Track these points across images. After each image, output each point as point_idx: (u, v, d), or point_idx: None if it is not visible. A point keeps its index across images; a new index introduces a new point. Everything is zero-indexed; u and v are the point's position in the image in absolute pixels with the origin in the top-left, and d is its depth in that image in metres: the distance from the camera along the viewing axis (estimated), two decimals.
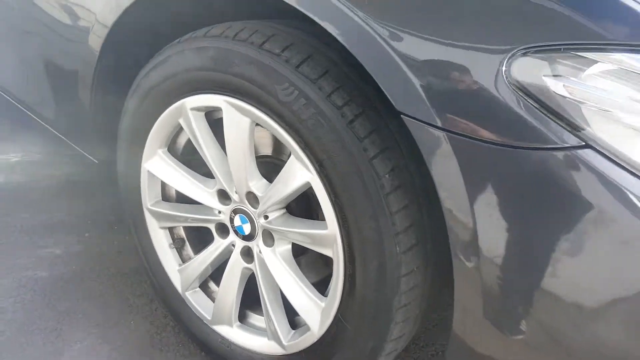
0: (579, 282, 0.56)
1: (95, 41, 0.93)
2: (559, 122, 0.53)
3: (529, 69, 0.53)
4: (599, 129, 0.53)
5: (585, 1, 0.53)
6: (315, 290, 0.80)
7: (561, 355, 0.61)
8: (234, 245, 0.89)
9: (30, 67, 1.16)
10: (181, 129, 0.88)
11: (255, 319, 0.95)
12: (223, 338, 0.94)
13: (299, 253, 0.87)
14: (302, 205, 0.82)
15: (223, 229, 0.91)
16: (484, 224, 0.58)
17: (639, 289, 0.54)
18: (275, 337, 0.87)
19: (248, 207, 0.83)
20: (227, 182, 0.84)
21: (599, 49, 0.52)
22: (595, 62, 0.52)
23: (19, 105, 1.28)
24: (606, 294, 0.56)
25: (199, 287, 0.99)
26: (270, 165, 0.85)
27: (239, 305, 0.93)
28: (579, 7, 0.52)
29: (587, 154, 0.53)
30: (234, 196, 0.84)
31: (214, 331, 0.95)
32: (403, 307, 0.69)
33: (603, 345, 0.58)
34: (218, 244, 0.92)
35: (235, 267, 0.90)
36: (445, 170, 0.58)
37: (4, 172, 1.38)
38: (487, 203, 0.57)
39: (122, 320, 1.04)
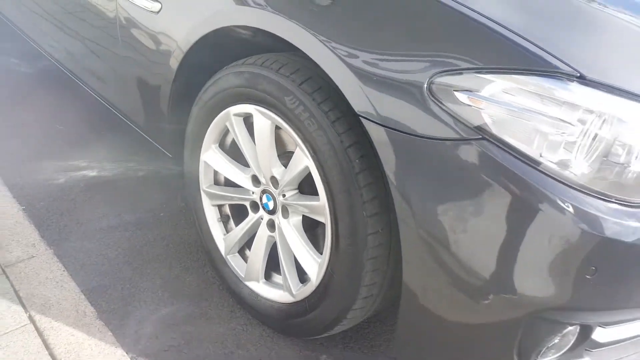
0: (480, 231, 0.78)
1: (174, 63, 1.28)
2: (465, 122, 0.77)
3: (444, 86, 0.78)
4: (491, 126, 0.76)
5: (482, 41, 0.77)
6: (315, 250, 1.07)
7: (478, 294, 0.82)
8: (262, 218, 1.18)
9: (127, 84, 1.55)
10: (228, 130, 1.19)
11: (275, 277, 1.22)
12: (252, 291, 1.23)
13: (308, 228, 1.13)
14: (309, 187, 1.09)
15: (255, 206, 1.20)
16: (414, 193, 0.82)
17: (521, 239, 0.75)
18: (288, 289, 1.14)
19: (272, 188, 1.12)
20: (257, 169, 1.14)
21: (491, 72, 0.75)
22: (490, 81, 0.76)
23: (119, 115, 1.68)
24: (504, 243, 0.77)
25: (237, 252, 1.29)
26: (289, 157, 1.14)
27: (264, 267, 1.21)
28: (477, 44, 0.76)
29: (483, 144, 0.76)
30: (262, 180, 1.14)
31: (246, 286, 1.24)
32: (372, 259, 0.93)
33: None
34: (251, 218, 1.21)
35: (262, 236, 1.19)
36: (388, 154, 0.83)
37: (97, 168, 1.78)
38: (415, 178, 0.81)
39: (180, 276, 1.36)
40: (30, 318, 1.14)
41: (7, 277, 1.24)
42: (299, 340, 1.21)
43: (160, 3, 1.26)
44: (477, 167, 0.77)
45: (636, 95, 0.76)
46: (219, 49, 1.20)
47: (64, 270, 1.31)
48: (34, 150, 1.86)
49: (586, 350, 0.94)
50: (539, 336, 0.83)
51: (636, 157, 0.75)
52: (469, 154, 0.77)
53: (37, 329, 1.11)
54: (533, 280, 0.78)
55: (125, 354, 1.10)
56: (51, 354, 1.06)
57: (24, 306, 1.17)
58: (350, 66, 0.85)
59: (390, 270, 0.98)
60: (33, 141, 1.92)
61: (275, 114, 1.01)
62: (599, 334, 0.91)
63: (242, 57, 1.12)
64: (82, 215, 1.56)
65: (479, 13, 0.80)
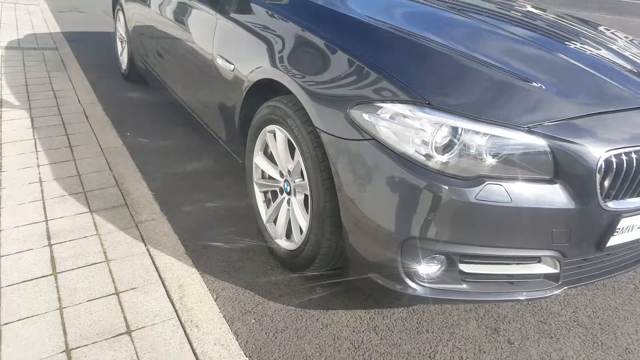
0: (373, 195, 1.37)
1: (240, 98, 2.02)
2: (366, 130, 1.38)
3: (356, 111, 1.40)
4: (379, 133, 1.36)
5: (380, 83, 1.39)
6: (306, 214, 1.71)
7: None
8: (283, 198, 1.86)
9: (217, 110, 2.34)
10: (267, 142, 1.91)
11: (290, 237, 1.88)
12: (277, 245, 1.90)
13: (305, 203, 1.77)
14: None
15: (281, 191, 1.88)
16: (342, 172, 1.43)
17: (396, 199, 1.33)
18: (294, 240, 1.79)
19: (289, 178, 1.80)
20: (281, 166, 1.83)
21: (384, 101, 1.36)
22: (383, 107, 1.36)
23: (212, 133, 2.51)
24: (380, 203, 1.36)
25: (272, 221, 1.97)
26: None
27: (285, 229, 1.88)
28: (378, 85, 1.38)
29: (373, 143, 1.36)
30: (284, 173, 1.82)
31: (274, 242, 1.92)
32: (329, 217, 1.54)
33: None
34: (280, 198, 1.89)
35: (284, 208, 1.86)
36: (330, 150, 1.46)
37: (194, 169, 2.62)
38: (342, 163, 1.43)
39: (243, 240, 2.08)
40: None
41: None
42: (305, 278, 1.84)
43: (233, 65, 2.04)
44: (372, 157, 1.37)
45: (463, 113, 1.31)
46: (264, 90, 1.92)
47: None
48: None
49: (464, 280, 1.45)
50: (412, 257, 1.38)
51: (464, 153, 1.29)
52: (366, 147, 1.37)
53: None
54: (401, 221, 1.34)
55: (201, 278, 1.83)
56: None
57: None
58: (314, 105, 1.52)
59: (338, 228, 1.57)
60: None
61: (286, 130, 1.70)
62: (465, 267, 1.42)
63: (275, 95, 1.84)
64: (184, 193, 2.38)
65: (381, 66, 1.42)
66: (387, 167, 1.34)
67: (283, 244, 1.87)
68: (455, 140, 1.30)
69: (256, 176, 2.02)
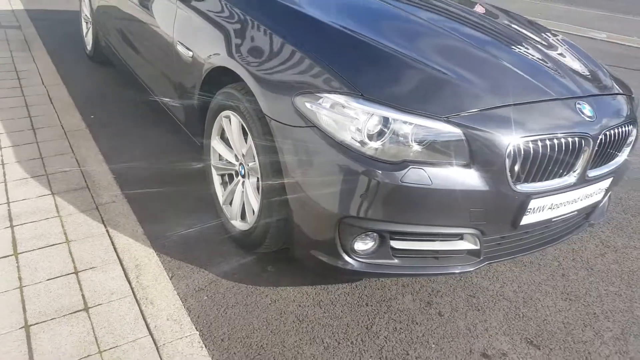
0: (313, 176, 1.49)
1: (199, 81, 2.08)
2: (307, 118, 1.49)
3: (300, 99, 1.51)
4: (319, 120, 1.47)
5: (322, 75, 1.49)
6: (258, 196, 1.82)
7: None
8: (239, 180, 1.96)
9: (177, 92, 2.41)
10: (223, 126, 2.00)
11: (245, 218, 1.99)
12: (233, 225, 2.01)
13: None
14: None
15: (236, 173, 1.98)
16: (287, 155, 1.55)
17: (332, 180, 1.45)
18: (248, 222, 1.90)
19: (243, 161, 1.90)
20: (236, 150, 1.93)
21: (324, 92, 1.47)
22: (323, 97, 1.47)
23: (171, 115, 2.57)
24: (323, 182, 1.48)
25: (229, 203, 2.08)
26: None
27: (240, 211, 1.99)
28: (320, 77, 1.49)
29: (314, 130, 1.47)
30: (239, 156, 1.92)
31: (230, 223, 2.03)
32: (277, 198, 1.67)
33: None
34: (235, 180, 1.99)
35: (239, 190, 1.97)
36: (277, 134, 1.57)
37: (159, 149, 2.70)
38: (288, 147, 1.54)
39: (201, 221, 2.18)
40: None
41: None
42: (257, 257, 1.97)
43: (192, 52, 2.11)
44: (313, 143, 1.48)
45: (391, 104, 1.43)
46: (222, 76, 2.00)
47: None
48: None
49: (395, 255, 1.59)
50: (347, 234, 1.51)
51: (393, 140, 1.42)
52: (308, 134, 1.49)
53: None
54: (337, 201, 1.47)
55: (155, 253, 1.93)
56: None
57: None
58: (263, 93, 1.62)
59: (285, 209, 1.69)
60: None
61: (239, 116, 1.79)
62: (395, 244, 1.57)
63: (231, 82, 1.92)
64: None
65: (323, 59, 1.53)
66: (326, 152, 1.46)
67: (237, 224, 1.98)
68: (386, 129, 1.43)
69: (214, 160, 2.11)
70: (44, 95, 3.38)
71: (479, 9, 2.68)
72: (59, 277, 1.75)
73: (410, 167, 1.43)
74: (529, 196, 1.57)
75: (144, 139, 2.95)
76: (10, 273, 1.74)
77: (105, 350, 1.48)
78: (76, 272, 1.78)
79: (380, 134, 1.44)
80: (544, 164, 1.56)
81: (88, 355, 1.46)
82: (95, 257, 1.87)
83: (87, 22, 4.18)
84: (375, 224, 1.49)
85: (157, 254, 1.93)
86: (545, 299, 1.94)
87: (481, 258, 1.69)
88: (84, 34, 4.31)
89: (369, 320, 1.74)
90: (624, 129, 1.80)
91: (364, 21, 1.89)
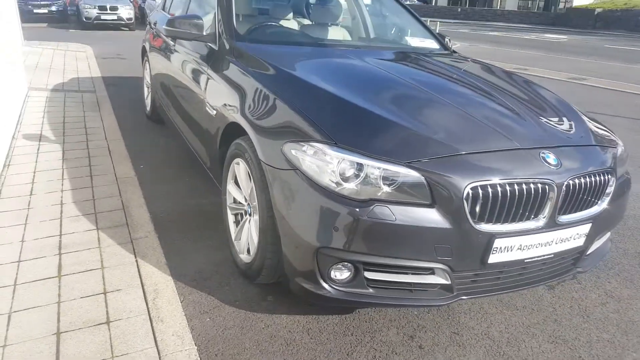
0: (296, 212, 1.74)
1: (219, 134, 2.45)
2: (292, 162, 1.77)
3: (287, 147, 1.80)
4: (302, 165, 1.74)
5: (304, 128, 1.78)
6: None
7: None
8: (247, 218, 2.25)
9: (205, 143, 2.79)
10: (236, 172, 2.32)
11: (250, 252, 2.25)
12: (240, 258, 2.27)
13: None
14: None
15: (246, 213, 2.27)
16: (276, 194, 1.82)
17: (310, 216, 1.70)
18: (251, 254, 2.16)
19: (249, 201, 2.19)
20: (244, 191, 2.23)
21: (305, 142, 1.76)
22: (306, 145, 1.75)
23: (199, 159, 2.95)
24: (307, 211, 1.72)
25: (239, 239, 2.35)
26: None
27: (246, 245, 2.25)
28: (302, 129, 1.78)
29: (297, 172, 1.75)
30: (247, 197, 2.22)
31: (239, 257, 2.29)
32: (271, 234, 1.92)
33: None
34: (244, 218, 2.28)
35: (246, 227, 2.24)
36: (270, 176, 1.85)
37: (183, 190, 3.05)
38: (277, 187, 1.82)
39: (215, 255, 2.46)
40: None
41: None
42: (260, 287, 2.20)
43: (215, 111, 2.49)
44: (296, 183, 1.75)
45: (360, 151, 1.68)
46: (238, 130, 2.34)
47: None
48: None
49: (369, 285, 1.77)
50: (324, 263, 1.72)
51: (365, 182, 1.65)
52: (292, 176, 1.76)
53: None
54: (315, 234, 1.70)
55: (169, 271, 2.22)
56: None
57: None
58: (260, 143, 1.93)
59: (278, 241, 1.93)
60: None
61: (245, 162, 2.11)
62: (369, 274, 1.75)
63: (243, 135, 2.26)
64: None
65: (308, 115, 1.82)
66: (306, 191, 1.72)
67: (243, 257, 2.24)
68: (359, 173, 1.67)
69: (229, 201, 2.42)
70: (105, 148, 3.92)
71: (461, 63, 2.93)
72: (90, 296, 2.07)
73: (376, 204, 1.65)
74: (492, 236, 1.72)
75: (180, 184, 3.35)
76: (52, 291, 2.09)
77: (117, 356, 1.75)
78: (105, 293, 2.10)
79: (355, 177, 1.68)
80: (505, 207, 1.72)
81: (103, 359, 1.73)
82: (122, 281, 2.18)
83: (147, 87, 4.82)
84: (347, 254, 1.70)
85: (174, 281, 2.22)
86: (530, 341, 2.00)
87: (454, 293, 1.83)
88: (145, 96, 4.96)
89: (350, 347, 1.89)
90: (596, 178, 1.91)
91: (345, 83, 2.20)
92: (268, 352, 1.84)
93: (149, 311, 2.00)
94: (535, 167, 1.78)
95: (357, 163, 1.68)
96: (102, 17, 15.60)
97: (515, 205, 1.73)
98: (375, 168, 1.67)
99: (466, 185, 1.66)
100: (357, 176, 1.68)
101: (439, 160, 1.70)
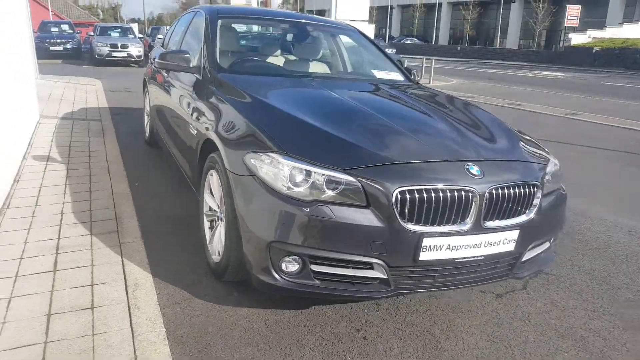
0: (252, 212, 2.06)
1: (197, 150, 2.81)
2: (251, 169, 2.11)
3: (247, 157, 2.14)
4: (259, 171, 2.08)
5: (262, 141, 2.13)
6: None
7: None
8: (219, 223, 2.56)
9: (185, 157, 3.14)
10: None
11: (219, 253, 2.54)
12: (212, 259, 2.56)
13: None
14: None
15: (218, 218, 2.59)
16: (238, 198, 2.14)
17: (264, 215, 2.02)
18: (219, 255, 2.46)
19: (220, 207, 2.51)
20: (216, 199, 2.55)
21: (262, 152, 2.10)
22: (263, 155, 2.10)
23: (184, 172, 3.30)
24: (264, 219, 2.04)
25: (212, 242, 2.65)
26: None
27: (218, 247, 2.55)
28: (261, 142, 2.13)
29: (255, 178, 2.08)
30: (219, 204, 2.54)
31: (211, 258, 2.58)
32: (235, 235, 2.23)
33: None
34: (218, 222, 2.59)
35: (218, 232, 2.55)
36: (233, 182, 2.19)
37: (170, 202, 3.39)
38: (239, 191, 2.15)
39: (192, 256, 2.76)
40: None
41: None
42: (229, 284, 2.48)
43: (197, 130, 2.86)
44: (253, 187, 2.08)
45: (306, 160, 2.01)
46: (210, 146, 2.68)
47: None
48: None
49: (315, 277, 2.06)
50: (276, 256, 2.02)
51: (313, 186, 1.98)
52: (251, 181, 2.08)
53: None
54: (267, 230, 2.01)
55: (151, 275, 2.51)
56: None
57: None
58: (227, 154, 2.28)
59: (239, 240, 2.23)
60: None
61: (217, 172, 2.44)
62: (315, 267, 2.04)
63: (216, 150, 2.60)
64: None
65: (267, 130, 2.17)
66: (261, 193, 2.04)
67: (214, 258, 2.54)
68: (305, 178, 2.00)
69: (205, 209, 2.74)
70: (105, 168, 4.29)
71: (415, 92, 3.34)
72: (79, 287, 2.37)
73: (318, 204, 1.96)
74: (421, 235, 2.01)
75: (169, 199, 3.68)
76: (47, 282, 2.39)
77: (97, 334, 2.03)
78: (92, 285, 2.39)
79: (303, 182, 2.00)
80: (431, 210, 2.02)
81: (85, 335, 2.01)
82: (108, 276, 2.48)
83: (147, 115, 5.25)
84: (294, 248, 2.00)
85: (153, 277, 2.51)
86: (468, 339, 2.25)
87: (392, 287, 2.11)
88: (145, 124, 5.37)
89: (301, 336, 2.16)
90: (520, 189, 2.21)
91: (301, 105, 2.58)
92: (227, 336, 2.12)
93: (128, 300, 2.29)
94: (459, 176, 2.09)
95: (304, 170, 2.00)
96: (114, 54, 16.45)
97: (441, 209, 2.04)
98: (319, 174, 1.99)
99: (395, 189, 1.98)
100: (304, 181, 2.00)
101: (371, 168, 2.03)
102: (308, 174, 2.01)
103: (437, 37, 48.25)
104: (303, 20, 4.20)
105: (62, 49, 18.44)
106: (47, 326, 2.06)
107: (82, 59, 18.38)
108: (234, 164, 2.23)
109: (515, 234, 2.22)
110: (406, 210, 2.00)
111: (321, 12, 20.17)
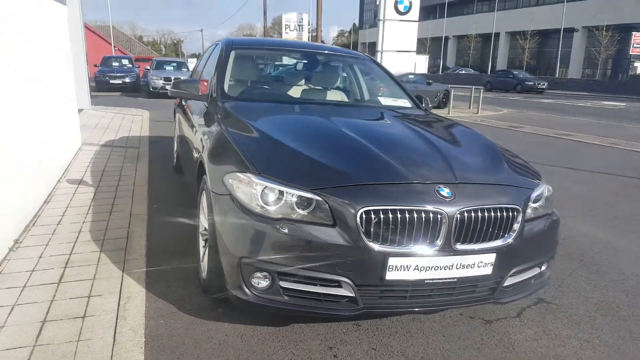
0: (226, 228, 2.17)
1: (196, 169, 2.98)
2: (228, 189, 2.22)
3: (226, 177, 2.26)
4: (234, 190, 2.19)
5: (240, 162, 2.25)
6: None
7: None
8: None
9: (187, 163, 3.32)
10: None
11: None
12: (202, 276, 2.68)
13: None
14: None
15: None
16: (216, 212, 2.26)
17: (235, 233, 2.12)
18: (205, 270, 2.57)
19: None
20: (207, 218, 2.69)
21: (238, 172, 2.22)
22: (240, 175, 2.21)
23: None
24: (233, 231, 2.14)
25: (204, 260, 2.77)
26: None
27: (206, 265, 2.67)
28: (238, 162, 2.25)
29: (230, 197, 2.19)
30: (206, 224, 2.67)
31: (201, 274, 2.70)
32: (213, 247, 2.34)
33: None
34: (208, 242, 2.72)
35: (206, 248, 2.68)
36: (212, 200, 2.31)
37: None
38: (217, 206, 2.26)
39: (187, 273, 2.89)
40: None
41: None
42: (215, 300, 2.57)
43: (198, 153, 3.03)
44: (228, 205, 2.18)
45: (277, 180, 2.10)
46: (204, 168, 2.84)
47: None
48: None
49: (285, 294, 2.11)
50: (246, 272, 2.10)
51: (284, 205, 2.06)
52: (227, 200, 2.19)
53: None
54: (237, 247, 2.10)
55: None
56: None
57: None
58: (210, 175, 2.42)
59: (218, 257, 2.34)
60: None
61: (206, 193, 2.58)
62: (284, 284, 2.10)
63: None
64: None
65: (246, 153, 2.29)
66: (234, 211, 2.15)
67: (203, 274, 2.65)
68: (277, 196, 2.09)
69: (200, 228, 2.88)
70: (130, 191, 4.58)
71: (416, 118, 3.37)
72: (77, 298, 2.55)
73: (285, 222, 2.04)
74: (387, 254, 2.03)
75: (181, 220, 3.86)
76: (50, 293, 2.59)
77: (81, 340, 2.18)
78: (89, 297, 2.57)
79: (273, 200, 2.09)
80: (397, 230, 2.04)
81: (70, 341, 2.16)
82: (105, 289, 2.65)
83: (176, 142, 5.56)
84: (263, 264, 2.07)
85: (146, 292, 2.66)
86: None
87: (361, 306, 2.12)
88: (174, 151, 5.69)
89: (273, 351, 2.21)
90: (496, 213, 2.18)
91: (286, 130, 2.67)
92: (201, 348, 2.20)
93: (118, 312, 2.43)
94: (429, 198, 2.10)
95: (277, 189, 2.09)
96: (167, 87, 17.43)
97: (407, 230, 2.05)
98: (290, 194, 2.07)
99: (360, 209, 2.02)
100: (277, 200, 2.09)
101: (339, 188, 2.09)
102: (280, 193, 2.09)
103: (493, 66, 47.62)
104: (316, 50, 4.37)
105: (122, 82, 19.73)
106: (40, 332, 2.23)
107: (140, 91, 19.63)
108: (215, 184, 2.36)
109: (491, 257, 2.18)
110: (372, 230, 2.03)
111: (373, 44, 20.86)
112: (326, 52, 4.37)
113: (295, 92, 3.86)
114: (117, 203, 4.20)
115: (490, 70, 43.58)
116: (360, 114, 3.42)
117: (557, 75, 39.05)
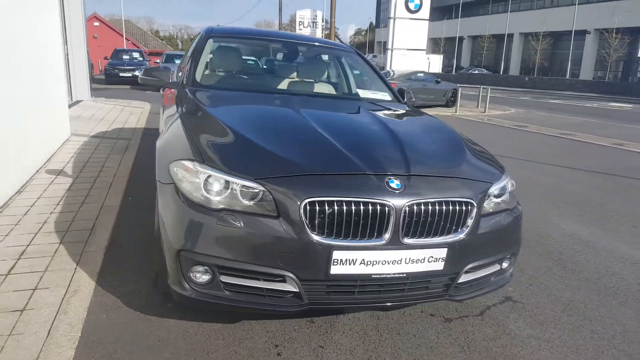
0: (175, 219, 2.04)
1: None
2: (172, 177, 2.09)
3: (171, 165, 2.13)
4: (176, 179, 2.06)
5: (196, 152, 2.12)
6: None
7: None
8: None
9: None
10: None
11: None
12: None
13: None
14: None
15: None
16: (159, 204, 2.13)
17: (179, 223, 1.99)
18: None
19: None
20: None
21: (184, 160, 2.08)
22: (181, 162, 2.08)
23: None
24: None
25: None
26: None
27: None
28: (184, 149, 2.12)
29: (173, 186, 2.06)
30: None
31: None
32: (160, 238, 2.21)
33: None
34: None
35: None
36: (158, 189, 2.17)
37: None
38: (160, 197, 2.13)
39: (151, 266, 2.77)
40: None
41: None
42: (164, 295, 2.45)
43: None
44: (171, 194, 2.05)
45: (221, 167, 1.96)
46: None
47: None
48: None
49: (226, 289, 1.98)
50: (184, 265, 1.96)
51: (219, 194, 1.93)
52: (170, 189, 2.06)
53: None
54: (176, 238, 1.96)
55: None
56: None
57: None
58: (158, 164, 2.29)
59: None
60: None
61: None
62: (225, 278, 1.96)
63: None
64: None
65: (193, 139, 2.16)
66: (175, 200, 2.01)
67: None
68: (220, 186, 1.95)
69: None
70: (108, 183, 4.49)
71: (386, 111, 3.21)
72: (22, 290, 2.45)
73: (225, 213, 1.90)
74: (331, 247, 1.88)
75: (153, 211, 3.75)
76: None
77: (12, 334, 2.07)
78: (34, 289, 2.47)
79: (216, 189, 1.95)
80: (342, 222, 1.89)
81: (1, 335, 2.06)
82: (54, 282, 2.55)
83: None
84: (202, 257, 1.93)
85: (96, 285, 2.55)
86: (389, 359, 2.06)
87: (305, 302, 1.98)
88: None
89: (214, 349, 2.08)
90: (448, 207, 2.01)
91: (243, 117, 2.57)
92: (138, 345, 2.08)
93: (60, 305, 2.32)
94: (377, 190, 1.95)
95: (221, 178, 1.95)
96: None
97: (353, 222, 1.90)
98: (234, 183, 1.93)
99: (304, 200, 1.87)
100: (221, 189, 1.95)
101: (283, 178, 1.94)
102: (226, 182, 1.95)
103: (506, 67, 46.89)
104: (296, 41, 4.22)
105: (131, 75, 19.54)
106: None
107: None
108: (161, 173, 2.23)
109: (442, 252, 2.02)
110: (316, 222, 1.89)
111: (387, 42, 21.20)
112: (307, 42, 4.22)
113: (270, 82, 3.72)
114: (91, 194, 4.11)
115: (504, 71, 42.95)
116: (330, 106, 3.27)
117: (567, 77, 38.30)
